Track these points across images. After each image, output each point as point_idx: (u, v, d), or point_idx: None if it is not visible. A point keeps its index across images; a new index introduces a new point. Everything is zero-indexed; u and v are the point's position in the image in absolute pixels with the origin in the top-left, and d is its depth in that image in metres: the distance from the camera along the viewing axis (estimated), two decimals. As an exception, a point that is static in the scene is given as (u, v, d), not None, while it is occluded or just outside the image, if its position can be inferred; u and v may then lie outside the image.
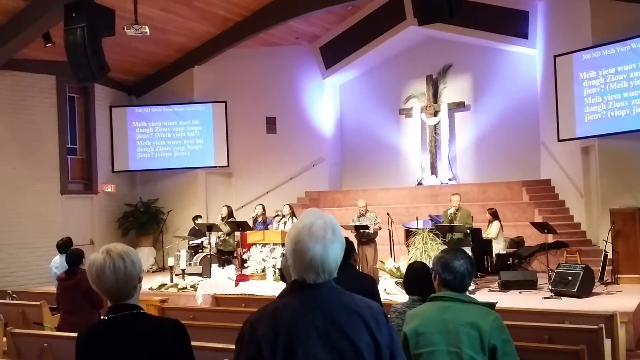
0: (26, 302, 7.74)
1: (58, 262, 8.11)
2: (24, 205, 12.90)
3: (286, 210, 11.73)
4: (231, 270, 10.66)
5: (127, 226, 15.28)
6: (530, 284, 9.71)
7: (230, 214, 12.35)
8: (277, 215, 12.06)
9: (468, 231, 10.24)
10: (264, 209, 12.04)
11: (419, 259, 9.21)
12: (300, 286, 2.05)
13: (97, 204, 14.69)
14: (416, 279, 4.08)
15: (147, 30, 10.65)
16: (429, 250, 9.54)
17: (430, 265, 3.15)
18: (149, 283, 11.03)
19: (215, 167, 15.51)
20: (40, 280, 11.98)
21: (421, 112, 16.50)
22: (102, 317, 2.45)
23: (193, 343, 2.44)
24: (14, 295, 8.58)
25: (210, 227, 11.84)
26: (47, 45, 11.40)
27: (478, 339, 2.61)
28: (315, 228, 2.04)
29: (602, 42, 11.19)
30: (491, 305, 2.79)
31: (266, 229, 11.59)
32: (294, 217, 11.41)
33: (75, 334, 2.50)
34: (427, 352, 2.71)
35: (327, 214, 2.12)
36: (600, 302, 8.53)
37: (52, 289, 7.17)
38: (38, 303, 7.30)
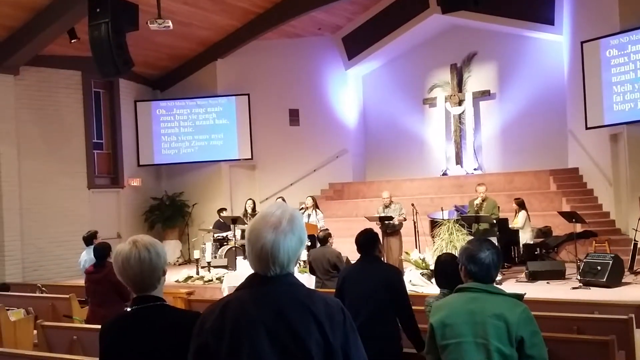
0: (55, 296, 7.85)
1: (86, 256, 8.21)
2: (52, 200, 13.09)
3: (309, 202, 11.71)
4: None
5: (153, 219, 15.44)
6: (558, 274, 9.59)
7: (255, 207, 12.41)
8: (301, 207, 12.07)
9: (494, 221, 10.13)
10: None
11: (444, 250, 9.15)
12: (255, 280, 1.99)
13: (123, 197, 14.85)
14: (443, 272, 4.06)
15: (170, 24, 10.68)
16: (454, 241, 9.47)
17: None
18: (176, 276, 11.13)
19: (239, 160, 15.57)
20: (69, 273, 12.17)
21: (445, 102, 16.36)
22: (126, 309, 2.46)
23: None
24: (44, 288, 8.72)
25: (235, 220, 11.89)
26: (72, 41, 11.52)
27: (505, 331, 2.58)
28: (271, 217, 1.97)
29: (630, 27, 10.95)
30: (519, 297, 2.76)
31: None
32: (317, 210, 11.40)
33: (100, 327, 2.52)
34: (454, 344, 2.69)
35: (292, 208, 2.04)
36: (630, 292, 8.40)
37: (81, 282, 7.27)
38: (67, 296, 7.41)
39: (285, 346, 1.88)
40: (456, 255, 4.18)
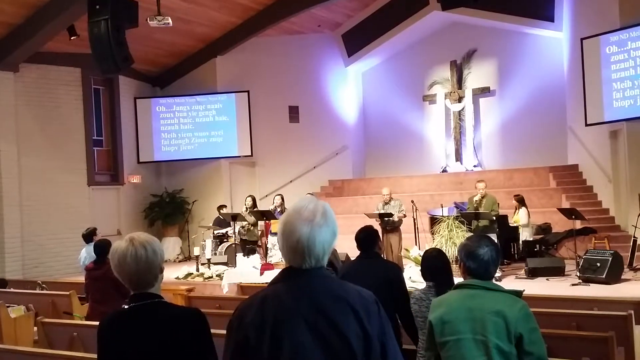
0: (56, 292, 7.87)
1: (85, 253, 8.22)
2: (52, 196, 13.10)
3: (309, 199, 11.71)
4: (256, 259, 10.71)
5: (153, 216, 15.45)
6: (557, 271, 9.60)
7: (255, 203, 12.40)
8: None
9: (494, 218, 10.14)
10: (282, 199, 12.03)
11: (444, 247, 9.17)
12: (290, 273, 2.01)
13: (123, 194, 14.87)
14: (427, 267, 4.12)
15: (170, 21, 10.68)
16: (454, 238, 9.48)
17: (452, 254, 3.13)
18: (176, 272, 11.14)
19: (239, 156, 15.57)
20: (69, 270, 12.19)
21: (445, 99, 16.36)
22: (123, 306, 2.47)
23: (219, 331, 2.45)
24: (44, 285, 8.73)
25: (235, 217, 11.89)
26: (72, 38, 11.51)
27: (504, 328, 2.58)
28: (305, 211, 1.99)
29: (630, 23, 10.94)
30: (518, 293, 2.76)
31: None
32: (317, 207, 11.38)
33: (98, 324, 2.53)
34: (453, 340, 2.69)
35: (323, 202, 2.06)
36: (629, 289, 8.41)
37: (81, 279, 7.28)
38: (67, 293, 7.42)
39: (325, 338, 1.90)
40: (443, 250, 4.22)
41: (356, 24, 16.28)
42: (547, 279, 9.37)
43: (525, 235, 10.84)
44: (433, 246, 9.54)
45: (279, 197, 12.14)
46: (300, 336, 1.89)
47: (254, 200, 12.51)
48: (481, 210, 10.04)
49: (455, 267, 4.05)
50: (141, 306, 2.42)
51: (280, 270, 2.07)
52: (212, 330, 2.45)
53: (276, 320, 1.92)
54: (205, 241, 12.45)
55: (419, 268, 9.44)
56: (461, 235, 9.41)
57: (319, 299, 1.93)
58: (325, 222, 1.99)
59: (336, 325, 1.90)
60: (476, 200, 10.31)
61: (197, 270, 11.22)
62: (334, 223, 2.03)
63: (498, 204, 10.57)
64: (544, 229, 11.67)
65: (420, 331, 4.03)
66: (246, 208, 12.35)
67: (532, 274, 9.59)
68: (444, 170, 16.13)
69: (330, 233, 2.00)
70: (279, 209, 11.92)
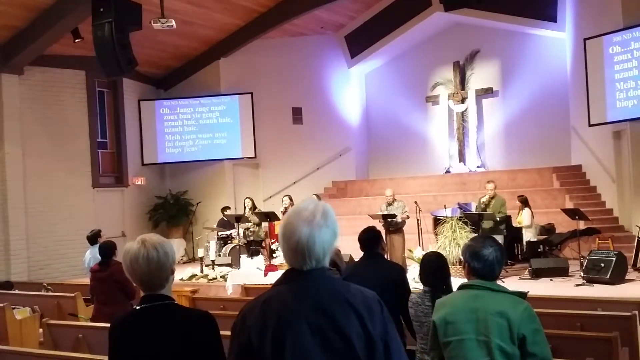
0: (61, 294, 7.89)
1: (90, 254, 8.25)
2: (57, 199, 13.14)
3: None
4: (260, 260, 10.73)
5: (158, 218, 15.48)
6: (561, 271, 9.59)
7: (254, 205, 12.43)
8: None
9: (498, 219, 10.13)
10: (291, 200, 12.02)
11: (447, 248, 9.18)
12: (293, 275, 2.01)
13: (127, 196, 14.90)
14: (425, 270, 4.12)
15: (174, 23, 10.71)
16: (457, 239, 9.48)
17: (455, 255, 3.14)
18: (180, 274, 11.16)
19: (243, 158, 15.59)
20: (74, 272, 12.21)
21: (448, 99, 16.36)
22: (134, 307, 2.50)
23: (223, 332, 2.47)
24: (49, 287, 8.77)
25: (239, 218, 11.92)
26: (76, 40, 11.56)
27: (507, 329, 2.59)
28: (305, 211, 1.99)
29: (634, 23, 10.93)
30: (522, 295, 2.76)
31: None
32: (320, 208, 11.39)
33: (109, 325, 2.55)
34: (456, 341, 2.70)
35: (324, 202, 2.06)
36: (633, 289, 8.40)
37: (86, 280, 7.30)
38: (72, 295, 7.45)
39: (327, 339, 1.90)
40: (444, 252, 4.22)
41: (359, 26, 16.29)
42: (551, 280, 9.37)
43: (528, 235, 10.83)
44: (437, 247, 9.56)
45: (287, 197, 12.10)
46: (303, 338, 1.89)
47: (252, 201, 12.56)
48: (489, 211, 10.03)
49: (459, 268, 4.06)
50: (152, 307, 2.45)
51: (283, 272, 2.07)
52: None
53: (278, 323, 1.92)
54: (209, 242, 12.49)
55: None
56: (465, 236, 9.41)
57: (320, 300, 1.93)
58: (325, 223, 1.98)
59: (338, 326, 1.90)
60: (483, 202, 10.31)
61: (202, 271, 11.24)
62: (334, 223, 2.02)
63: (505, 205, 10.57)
64: (547, 230, 11.65)
65: (417, 335, 4.04)
66: (248, 209, 12.38)
67: (536, 274, 9.58)
68: (447, 171, 16.12)
69: (330, 233, 2.00)
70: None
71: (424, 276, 4.14)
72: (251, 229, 12.33)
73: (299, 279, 1.98)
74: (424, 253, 9.13)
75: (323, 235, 1.97)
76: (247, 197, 12.76)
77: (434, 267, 4.08)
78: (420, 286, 8.63)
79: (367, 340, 1.92)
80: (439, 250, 8.93)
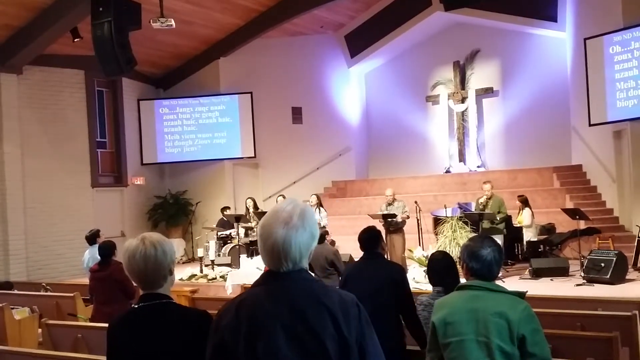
0: (60, 294, 7.87)
1: (89, 254, 8.23)
2: (56, 198, 13.13)
3: (313, 200, 11.70)
4: (260, 260, 10.71)
5: (157, 218, 15.47)
6: (561, 271, 9.58)
7: (256, 205, 12.43)
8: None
9: (497, 219, 10.11)
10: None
11: (447, 248, 9.16)
12: (270, 276, 2.00)
13: (127, 196, 14.89)
14: (434, 270, 4.10)
15: (173, 22, 10.70)
16: (457, 239, 9.47)
17: (455, 254, 3.13)
18: (179, 274, 11.13)
19: (242, 158, 15.58)
20: (73, 272, 12.20)
21: (448, 99, 16.35)
22: (132, 306, 2.49)
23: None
24: (48, 287, 8.74)
25: (238, 218, 11.91)
26: (75, 40, 11.55)
27: (507, 329, 2.58)
28: (283, 213, 1.97)
29: (634, 23, 10.92)
30: (521, 295, 2.75)
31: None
32: (321, 207, 11.39)
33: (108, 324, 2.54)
34: (456, 342, 2.68)
35: (303, 203, 2.04)
36: (633, 289, 8.40)
37: (85, 280, 7.29)
38: (71, 295, 7.42)
39: (301, 341, 1.88)
40: (448, 252, 4.21)
41: (359, 25, 16.28)
42: (551, 280, 9.36)
43: (529, 235, 10.82)
44: (437, 247, 9.55)
45: (282, 198, 12.14)
46: (276, 339, 1.88)
47: (254, 201, 12.56)
48: (487, 211, 10.02)
49: (459, 268, 4.05)
50: (150, 306, 2.44)
51: (263, 273, 2.06)
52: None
53: (252, 324, 1.91)
54: (209, 242, 12.48)
55: (423, 269, 9.47)
56: (465, 235, 9.40)
57: (295, 302, 1.92)
58: (302, 224, 1.96)
59: (312, 328, 1.88)
60: (481, 202, 10.29)
61: (201, 271, 11.24)
62: (312, 225, 2.00)
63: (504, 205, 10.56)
64: (548, 229, 11.64)
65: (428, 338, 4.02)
66: (247, 210, 12.38)
67: (536, 274, 9.57)
68: (448, 171, 16.11)
69: (307, 235, 1.97)
70: None
71: (432, 276, 4.12)
72: (252, 229, 12.33)
73: (276, 280, 1.97)
74: (430, 253, 9.14)
75: (300, 237, 1.95)
76: (248, 197, 12.76)
77: (442, 267, 4.08)
78: (420, 286, 8.64)
79: (341, 343, 1.89)
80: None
